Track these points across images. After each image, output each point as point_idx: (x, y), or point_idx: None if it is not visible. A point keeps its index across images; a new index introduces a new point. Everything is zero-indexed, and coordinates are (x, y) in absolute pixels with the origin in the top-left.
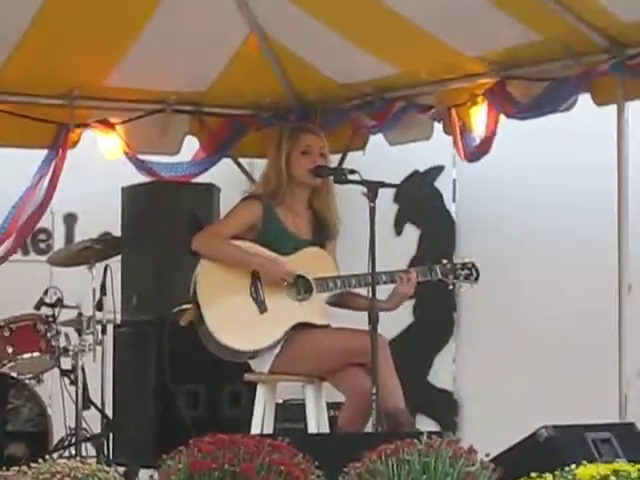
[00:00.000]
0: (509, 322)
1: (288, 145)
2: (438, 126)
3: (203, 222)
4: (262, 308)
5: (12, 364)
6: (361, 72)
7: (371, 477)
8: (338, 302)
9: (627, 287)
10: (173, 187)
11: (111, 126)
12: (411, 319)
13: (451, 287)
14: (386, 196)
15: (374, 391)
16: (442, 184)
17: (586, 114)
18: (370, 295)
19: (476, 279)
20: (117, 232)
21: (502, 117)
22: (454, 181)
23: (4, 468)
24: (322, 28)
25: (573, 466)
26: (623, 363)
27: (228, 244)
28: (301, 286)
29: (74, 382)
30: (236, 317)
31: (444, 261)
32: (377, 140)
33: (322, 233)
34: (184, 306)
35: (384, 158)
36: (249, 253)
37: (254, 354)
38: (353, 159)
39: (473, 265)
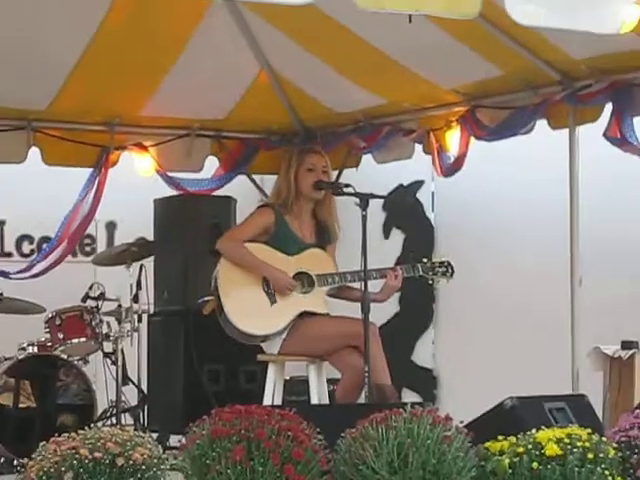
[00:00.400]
0: (479, 311)
1: (296, 164)
2: (419, 147)
3: (222, 228)
4: (272, 300)
5: (62, 348)
6: (354, 102)
7: (364, 441)
8: (336, 294)
9: (578, 280)
10: (197, 199)
11: (145, 148)
12: (397, 309)
13: (430, 282)
14: (376, 205)
15: (366, 369)
16: (422, 195)
17: (543, 136)
18: (363, 288)
19: (451, 275)
20: (150, 237)
21: (472, 139)
22: (432, 193)
23: (56, 435)
24: (321, 65)
25: (534, 431)
26: (575, 345)
27: (246, 252)
28: (304, 281)
29: (115, 362)
30: (251, 307)
31: (424, 260)
32: (368, 159)
33: (324, 238)
34: (206, 298)
35: (374, 174)
36: (262, 262)
37: (265, 338)
38: (348, 175)
39: (449, 263)
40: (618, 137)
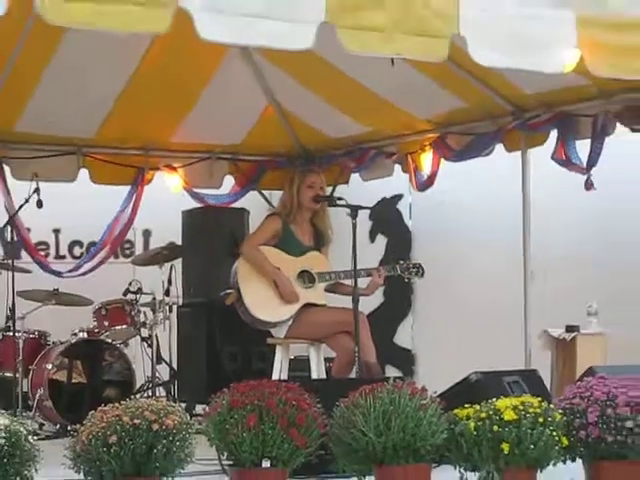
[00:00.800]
0: (449, 301)
1: (299, 181)
2: (398, 167)
3: (237, 235)
4: None
5: (107, 333)
6: (345, 130)
7: (354, 409)
8: (332, 289)
9: (530, 273)
10: (217, 210)
11: (174, 169)
12: (382, 299)
13: (406, 280)
14: (364, 215)
15: (356, 350)
16: (402, 206)
17: (500, 157)
18: (353, 284)
19: (422, 275)
20: (179, 242)
21: (442, 160)
22: (410, 204)
23: (102, 405)
24: (318, 100)
25: (494, 399)
26: (528, 329)
27: (263, 257)
28: (307, 277)
29: (150, 345)
30: (264, 298)
31: (401, 262)
32: (356, 176)
33: (319, 241)
34: (228, 290)
35: (361, 189)
36: (274, 269)
37: (275, 324)
38: (340, 190)
39: (420, 265)
40: (563, 158)
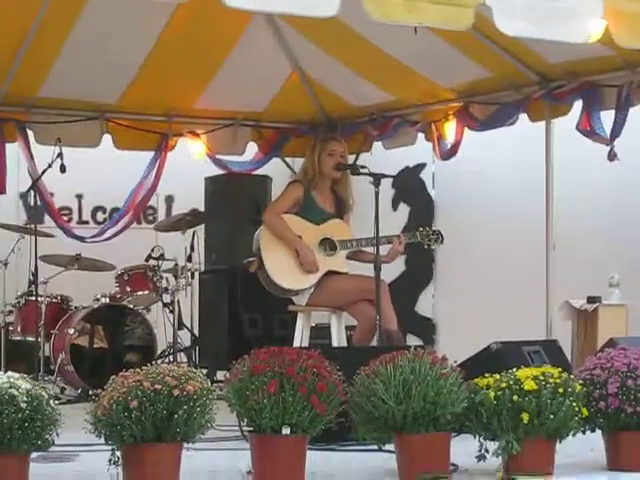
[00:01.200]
0: (470, 270)
1: (319, 149)
2: (421, 136)
3: (260, 202)
4: None
5: (130, 299)
6: (369, 98)
7: (375, 377)
8: (353, 257)
9: (552, 245)
10: (240, 177)
11: (197, 135)
12: (403, 268)
13: (426, 247)
14: (386, 184)
15: (377, 318)
16: (425, 176)
17: (524, 127)
18: (375, 252)
19: (441, 241)
20: (201, 208)
21: (466, 129)
22: (433, 174)
23: (124, 370)
24: (343, 68)
25: (514, 369)
26: (549, 299)
27: (285, 226)
28: (328, 245)
29: (172, 311)
30: (287, 266)
31: (421, 229)
32: (379, 145)
33: (341, 208)
34: (251, 259)
35: (385, 157)
36: (296, 238)
37: (297, 292)
38: (363, 158)
39: (439, 232)
40: (588, 129)
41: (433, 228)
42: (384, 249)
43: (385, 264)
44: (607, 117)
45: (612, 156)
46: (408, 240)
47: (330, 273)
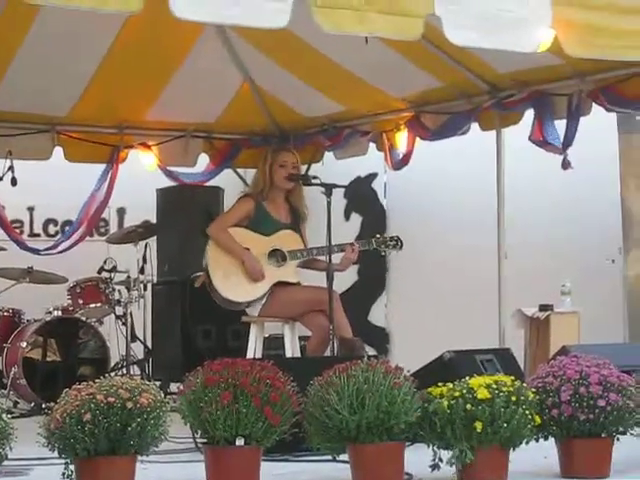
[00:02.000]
0: (423, 280)
1: (271, 160)
2: (372, 146)
3: (212, 213)
4: None
5: (82, 311)
6: (320, 109)
7: (329, 387)
8: (306, 265)
9: (504, 255)
10: (192, 189)
11: (149, 147)
12: (356, 278)
13: (383, 253)
14: (338, 194)
15: (331, 328)
16: (376, 185)
17: (476, 137)
18: (328, 260)
19: (400, 247)
20: (153, 220)
21: (417, 139)
22: (385, 183)
23: (77, 383)
24: (294, 79)
25: (467, 378)
26: (502, 307)
27: (230, 238)
28: (278, 256)
29: (125, 323)
30: (235, 279)
31: (377, 235)
32: (331, 155)
33: (296, 218)
34: (197, 273)
35: (336, 167)
36: (242, 249)
37: (246, 304)
38: (315, 168)
39: (398, 238)
40: (540, 139)
41: (391, 235)
42: (337, 258)
43: (339, 272)
44: (559, 127)
45: (566, 165)
46: (363, 247)
47: (281, 284)
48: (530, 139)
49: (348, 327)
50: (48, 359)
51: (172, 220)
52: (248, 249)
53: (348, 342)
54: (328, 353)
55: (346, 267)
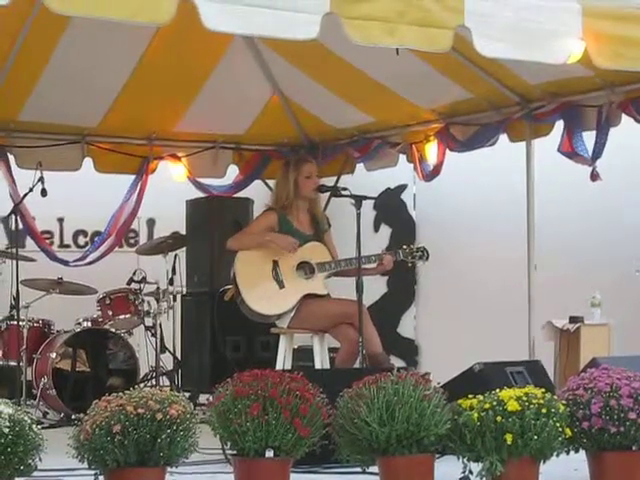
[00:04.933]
0: (453, 292)
1: (295, 173)
2: (402, 157)
3: (242, 224)
4: (281, 285)
5: (112, 322)
6: (350, 120)
7: (358, 399)
8: (339, 274)
9: (534, 266)
10: (221, 200)
11: (178, 158)
12: (385, 289)
13: (410, 264)
14: (368, 205)
15: (360, 340)
16: (406, 197)
17: (505, 148)
18: (357, 273)
19: (427, 258)
20: (183, 231)
21: (447, 151)
22: (414, 195)
23: (107, 394)
24: (323, 90)
25: (497, 390)
26: (531, 319)
27: (248, 235)
28: (307, 269)
29: (154, 335)
30: (263, 292)
31: (404, 246)
32: (361, 166)
33: (318, 228)
34: (226, 287)
35: (366, 179)
36: (264, 234)
37: (275, 317)
38: (344, 180)
39: (424, 248)
40: (570, 151)
41: (417, 245)
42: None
43: (370, 275)
44: (588, 138)
45: (594, 177)
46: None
47: (309, 296)
48: (559, 151)
49: (377, 340)
50: (78, 370)
51: (201, 231)
52: (277, 262)
53: (373, 356)
54: (357, 365)
55: (378, 273)
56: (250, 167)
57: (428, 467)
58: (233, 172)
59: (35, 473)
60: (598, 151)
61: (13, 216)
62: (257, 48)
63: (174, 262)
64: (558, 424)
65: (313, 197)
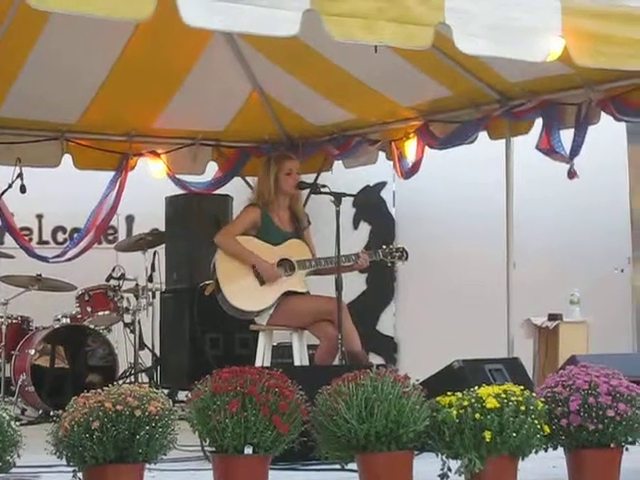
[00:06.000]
0: (432, 289)
1: (276, 169)
2: (381, 155)
3: (221, 221)
4: (261, 281)
5: (90, 319)
6: (329, 117)
7: (337, 396)
8: (317, 272)
9: (513, 264)
10: (200, 197)
11: (157, 155)
12: (365, 287)
13: (389, 264)
14: (347, 203)
15: (340, 337)
16: (385, 194)
17: (484, 146)
18: (336, 270)
19: (406, 258)
20: (162, 228)
21: (427, 148)
22: (394, 192)
23: (85, 391)
24: (303, 87)
25: (476, 387)
26: (510, 317)
27: (238, 245)
28: (287, 266)
29: (133, 331)
30: (244, 288)
31: (384, 246)
32: (340, 164)
33: (298, 225)
34: (207, 282)
35: (345, 176)
36: (252, 254)
37: (255, 314)
38: (323, 177)
39: (404, 249)
40: (547, 148)
41: (397, 245)
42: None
43: (351, 271)
44: (566, 135)
45: (572, 174)
46: (370, 258)
47: (289, 294)
48: (537, 147)
49: (357, 337)
50: (56, 367)
51: (181, 228)
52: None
53: (352, 354)
54: (336, 362)
55: (356, 269)
56: (229, 164)
57: (407, 464)
58: (212, 169)
59: (13, 470)
60: (576, 149)
61: None
62: (237, 44)
63: (153, 259)
64: (537, 421)
65: (293, 193)
